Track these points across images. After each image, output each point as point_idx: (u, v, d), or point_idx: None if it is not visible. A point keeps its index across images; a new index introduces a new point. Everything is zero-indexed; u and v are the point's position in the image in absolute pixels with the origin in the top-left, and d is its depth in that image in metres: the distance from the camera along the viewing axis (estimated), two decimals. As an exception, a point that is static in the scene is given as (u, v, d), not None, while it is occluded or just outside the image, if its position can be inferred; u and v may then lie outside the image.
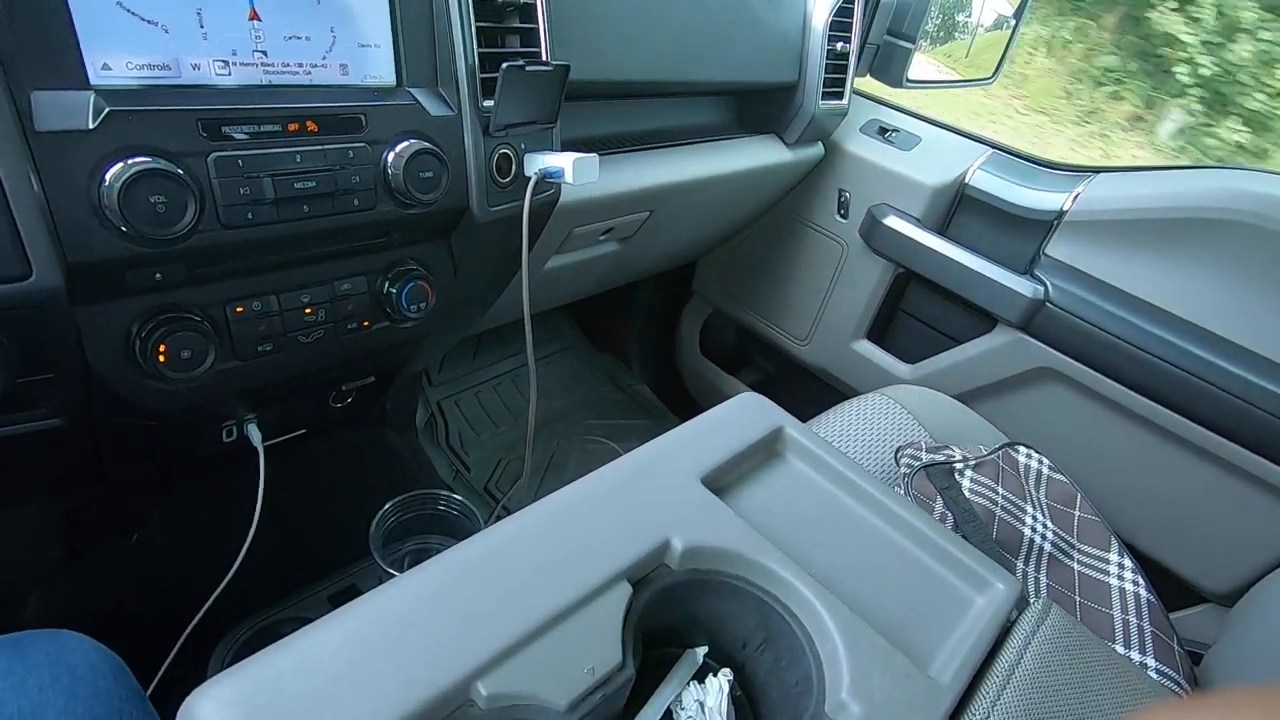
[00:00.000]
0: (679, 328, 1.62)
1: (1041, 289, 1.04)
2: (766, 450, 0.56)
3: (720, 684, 0.42)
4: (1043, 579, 0.84)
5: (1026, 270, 1.08)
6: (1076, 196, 1.05)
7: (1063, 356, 1.03)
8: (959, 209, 1.17)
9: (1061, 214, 1.06)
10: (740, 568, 0.45)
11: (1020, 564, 0.84)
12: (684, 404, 1.61)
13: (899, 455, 0.90)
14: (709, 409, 0.56)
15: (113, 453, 0.63)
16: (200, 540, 0.72)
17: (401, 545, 0.84)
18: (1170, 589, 1.03)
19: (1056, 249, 1.07)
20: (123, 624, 0.67)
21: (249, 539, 0.63)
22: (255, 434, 0.67)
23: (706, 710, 0.41)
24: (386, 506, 0.79)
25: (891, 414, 1.00)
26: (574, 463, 1.36)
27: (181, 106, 0.46)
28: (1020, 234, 1.10)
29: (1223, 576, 0.97)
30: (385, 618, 0.36)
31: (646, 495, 0.46)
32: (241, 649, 0.80)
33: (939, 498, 0.83)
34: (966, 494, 0.86)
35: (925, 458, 0.88)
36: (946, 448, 0.91)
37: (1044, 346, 1.05)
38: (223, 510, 0.66)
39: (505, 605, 0.38)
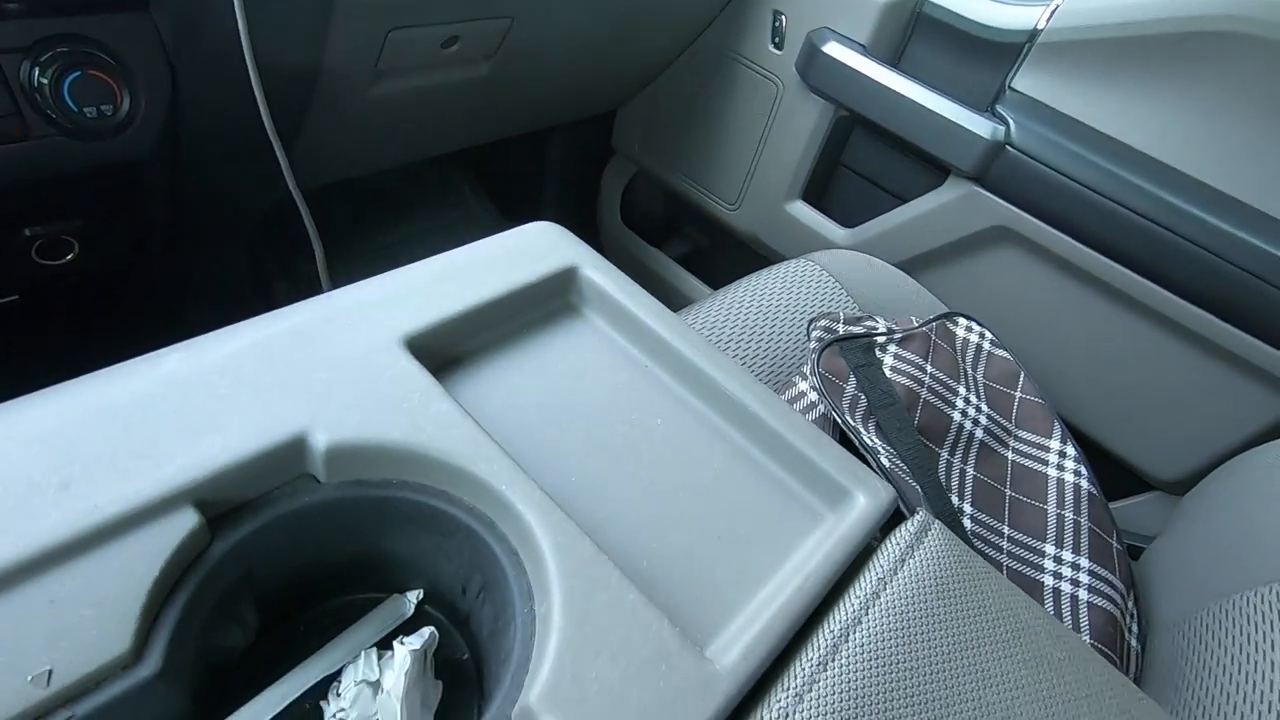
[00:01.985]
0: (599, 193, 1.41)
1: (1003, 128, 0.86)
2: (547, 301, 0.39)
3: (403, 656, 0.27)
4: (969, 471, 0.71)
5: (988, 108, 0.89)
6: (1054, 10, 0.85)
7: (1019, 212, 0.87)
8: (914, 34, 0.97)
9: (1035, 34, 0.86)
10: (434, 477, 0.29)
11: (944, 454, 0.71)
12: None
13: (811, 327, 0.74)
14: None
15: None
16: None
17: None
18: (1113, 476, 0.92)
19: (1024, 81, 0.88)
20: None
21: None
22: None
23: (381, 696, 0.27)
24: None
25: (815, 281, 0.84)
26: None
27: None
28: (983, 62, 0.91)
29: (1175, 463, 0.86)
30: None
31: (300, 364, 0.29)
32: None
33: (851, 377, 0.69)
34: (887, 372, 0.71)
35: (841, 329, 0.73)
36: (869, 318, 0.76)
37: (999, 201, 0.88)
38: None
39: None
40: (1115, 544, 0.71)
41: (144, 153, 0.51)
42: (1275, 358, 0.76)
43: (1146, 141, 0.81)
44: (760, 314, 0.79)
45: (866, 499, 0.31)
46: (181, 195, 0.60)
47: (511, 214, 1.45)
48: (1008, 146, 0.86)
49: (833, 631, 0.27)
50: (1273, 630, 0.55)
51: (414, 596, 0.32)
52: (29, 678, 0.21)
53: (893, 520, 0.32)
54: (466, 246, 0.38)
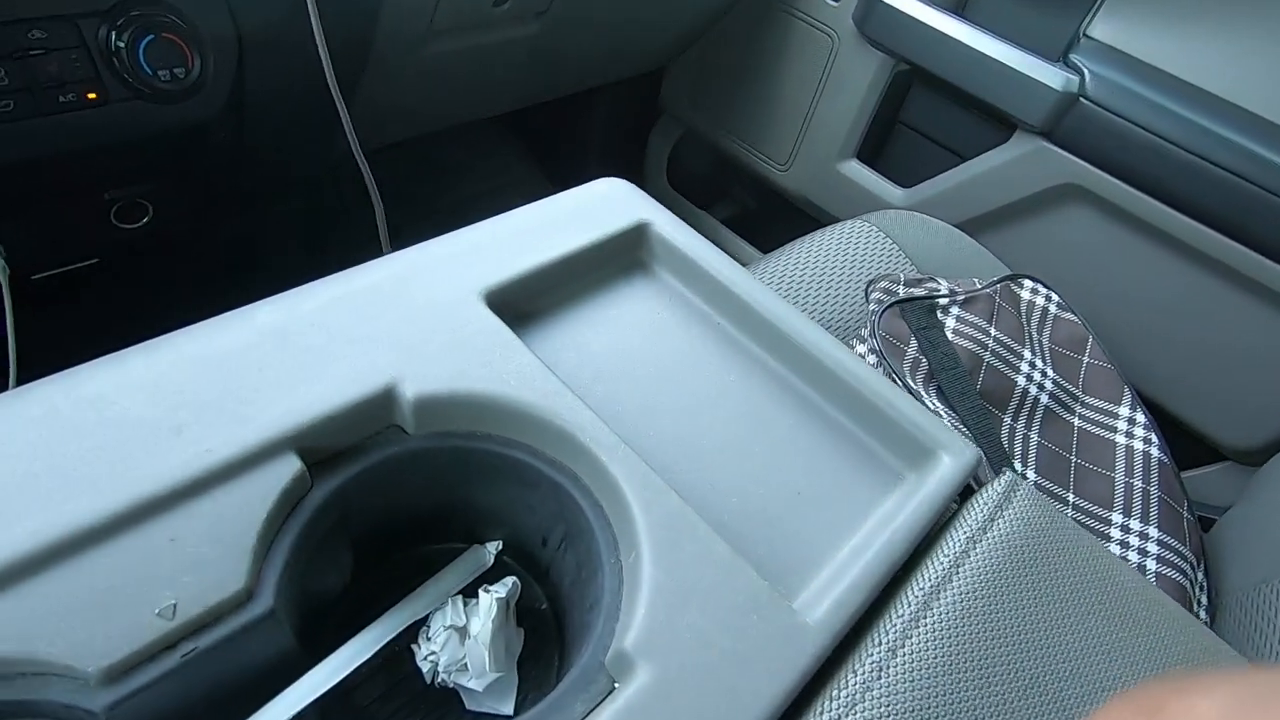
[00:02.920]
0: (646, 154, 1.39)
1: (1076, 79, 0.81)
2: (618, 258, 0.39)
3: (490, 603, 0.28)
4: (1034, 437, 0.70)
5: (1060, 57, 0.85)
6: (1138, -51, 0.79)
7: (1091, 168, 0.83)
8: (981, -20, 0.92)
9: (1115, -25, 0.81)
10: (519, 430, 0.29)
11: (1008, 420, 0.69)
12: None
13: (870, 289, 0.72)
14: None
15: None
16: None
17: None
18: (1183, 445, 0.89)
19: (1100, 27, 0.83)
20: None
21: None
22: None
23: (469, 642, 0.27)
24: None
25: (872, 242, 0.82)
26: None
27: None
28: (1056, 8, 0.86)
29: (1251, 433, 0.83)
30: None
31: (385, 317, 0.29)
32: None
33: (913, 339, 0.67)
34: (950, 335, 0.69)
35: (901, 291, 0.71)
36: (930, 280, 0.74)
37: (1070, 157, 0.84)
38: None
39: (38, 491, 0.23)
40: (1186, 514, 0.68)
41: (212, 115, 0.52)
42: (1368, 322, 0.72)
43: (1233, 89, 0.76)
44: (816, 276, 0.78)
45: (951, 458, 0.30)
46: (245, 158, 0.61)
47: (557, 178, 1.45)
48: (1081, 99, 0.81)
49: (923, 589, 0.26)
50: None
51: (494, 547, 0.33)
52: (155, 610, 0.22)
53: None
54: (538, 203, 0.38)
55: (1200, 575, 0.67)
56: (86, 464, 0.24)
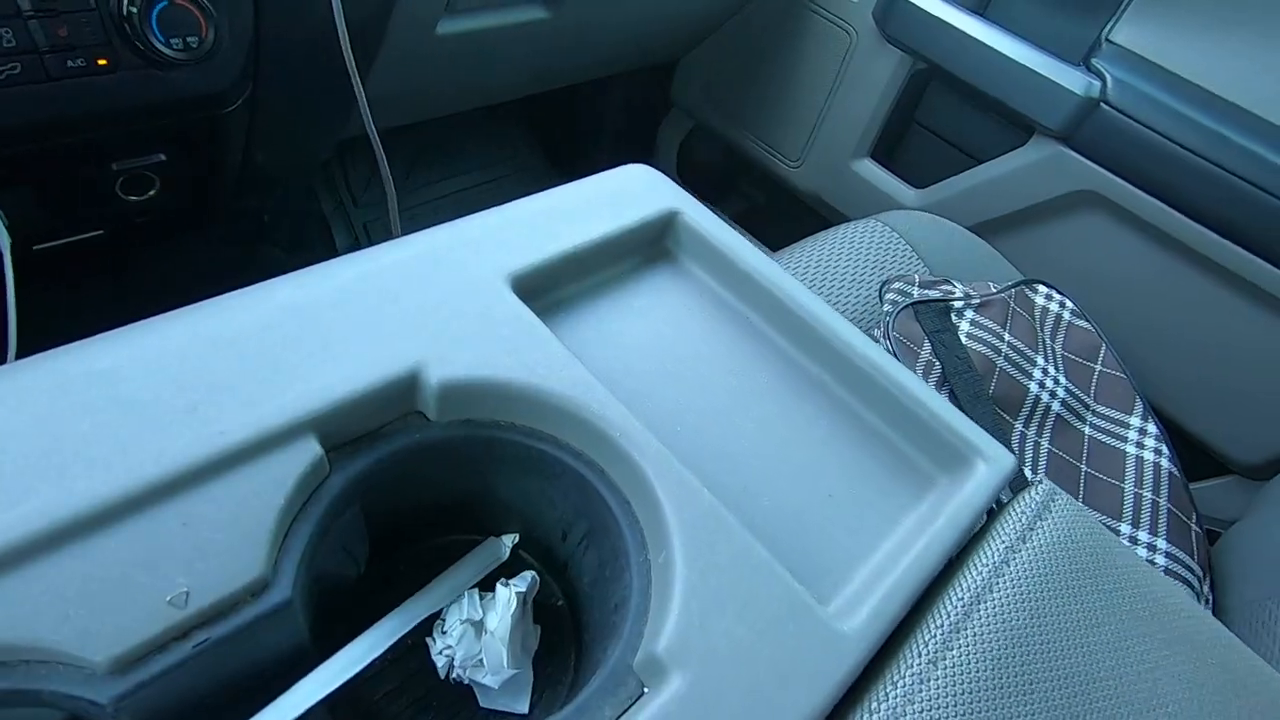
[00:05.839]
0: (655, 147, 1.38)
1: (1098, 84, 0.80)
2: (645, 247, 0.37)
3: (509, 597, 0.27)
4: (1044, 444, 0.69)
5: (1081, 61, 0.84)
6: (1165, -46, 0.78)
7: (1110, 175, 0.82)
8: (1004, -19, 0.91)
9: (1140, -20, 0.80)
10: (544, 421, 0.28)
11: (1019, 426, 0.69)
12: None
13: (884, 290, 0.72)
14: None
15: None
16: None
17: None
18: (1191, 457, 0.89)
19: (1124, 32, 0.83)
20: None
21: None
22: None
23: (486, 637, 0.26)
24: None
25: (885, 242, 0.81)
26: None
27: None
28: (1079, 11, 0.85)
29: (1260, 447, 0.82)
30: None
31: (408, 299, 0.28)
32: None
33: (927, 342, 0.66)
34: (964, 339, 0.69)
35: (916, 293, 0.70)
36: (945, 282, 0.73)
37: (1088, 163, 0.83)
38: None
39: (42, 469, 0.22)
40: (1195, 527, 0.68)
41: (226, 86, 0.51)
42: (1383, 339, 0.71)
43: (1257, 101, 0.76)
44: (829, 274, 0.77)
45: (988, 465, 0.29)
46: (256, 132, 0.60)
47: (565, 168, 1.43)
48: (1102, 104, 0.80)
49: (962, 599, 0.25)
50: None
51: (510, 540, 0.32)
52: (167, 598, 0.21)
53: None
54: (563, 187, 0.36)
55: (1206, 588, 0.67)
56: (94, 442, 0.23)
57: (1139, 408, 0.73)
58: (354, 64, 0.52)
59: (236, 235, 0.80)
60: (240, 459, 0.23)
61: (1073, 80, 0.82)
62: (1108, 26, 0.84)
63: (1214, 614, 0.66)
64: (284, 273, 0.30)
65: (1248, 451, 0.84)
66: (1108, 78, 0.80)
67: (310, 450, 0.24)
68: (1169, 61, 0.80)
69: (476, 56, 0.79)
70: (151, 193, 0.56)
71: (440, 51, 0.74)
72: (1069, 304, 0.79)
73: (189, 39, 0.45)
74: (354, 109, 0.57)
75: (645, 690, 0.22)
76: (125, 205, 0.55)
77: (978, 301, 0.72)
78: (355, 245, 1.18)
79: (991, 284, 0.77)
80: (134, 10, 0.42)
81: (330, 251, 1.13)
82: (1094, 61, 0.83)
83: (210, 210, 0.62)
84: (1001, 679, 0.23)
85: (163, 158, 0.53)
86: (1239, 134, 0.74)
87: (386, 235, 1.04)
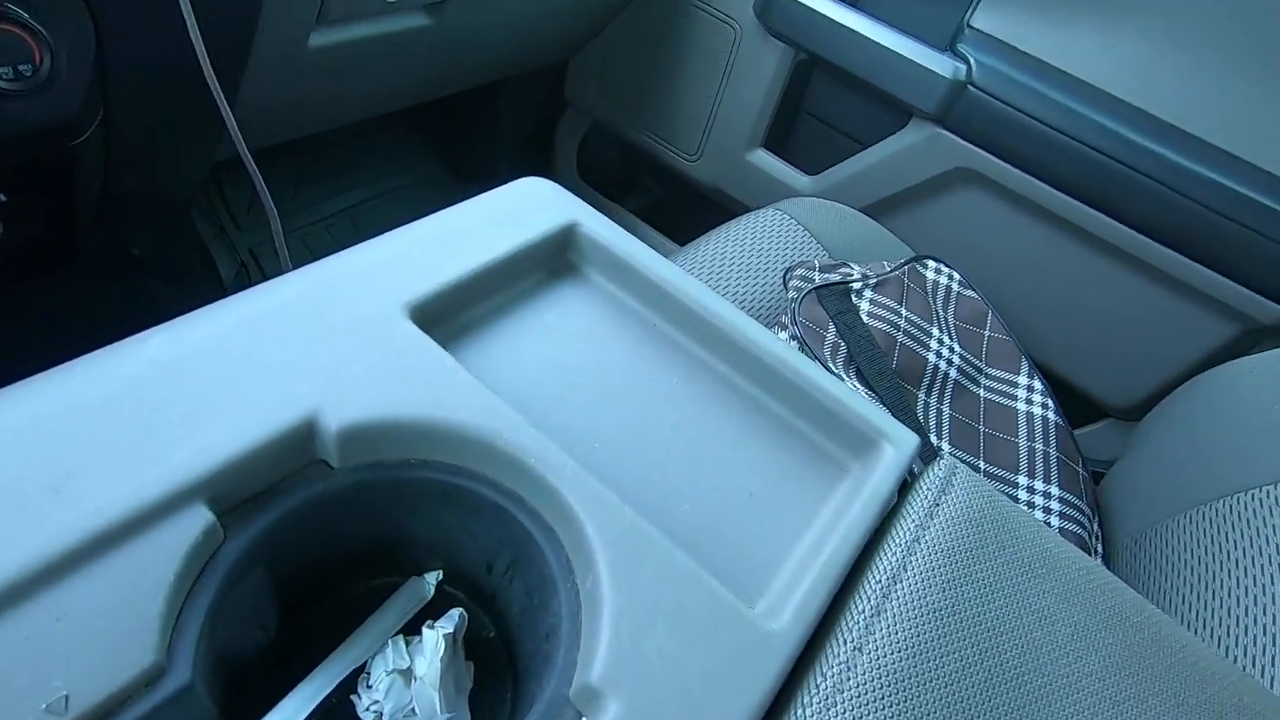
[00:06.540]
0: (554, 147, 1.37)
1: (964, 68, 0.86)
2: (547, 261, 0.37)
3: (436, 639, 0.26)
4: (945, 410, 0.73)
5: (948, 47, 0.89)
6: (1012, -55, 0.84)
7: (982, 153, 0.87)
8: (872, -28, 0.95)
9: (992, -31, 0.86)
10: (456, 454, 0.27)
11: (922, 395, 0.72)
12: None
13: (788, 277, 0.74)
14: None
15: None
16: None
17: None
18: (1074, 406, 0.96)
19: (983, 18, 0.88)
20: None
21: None
22: None
23: (415, 684, 0.26)
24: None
25: (784, 230, 0.84)
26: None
27: None
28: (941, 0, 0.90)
29: (1128, 391, 0.91)
30: None
31: (297, 341, 0.27)
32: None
33: (831, 324, 0.69)
34: (865, 318, 0.72)
35: (818, 278, 0.73)
36: (844, 265, 0.76)
37: (962, 142, 0.88)
38: None
39: None
40: (1081, 470, 0.74)
41: (71, 115, 0.46)
42: (1222, 285, 0.79)
43: (1105, 78, 0.83)
44: (733, 266, 0.78)
45: (894, 446, 0.31)
46: (116, 161, 0.55)
47: (465, 174, 1.39)
48: (969, 86, 0.86)
49: (880, 581, 0.27)
50: (1227, 541, 0.59)
51: (433, 578, 0.31)
52: (43, 706, 0.19)
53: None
54: (456, 207, 0.35)
55: (1095, 526, 0.73)
56: None
57: (1025, 366, 0.79)
58: (216, 82, 0.49)
59: (108, 271, 0.74)
60: (119, 537, 0.21)
61: (941, 65, 0.86)
62: (968, 13, 0.89)
63: (1105, 547, 0.72)
64: (167, 306, 0.28)
65: (1121, 396, 0.92)
66: (972, 61, 0.86)
67: (200, 517, 0.22)
68: (1023, 44, 0.86)
69: (355, 68, 0.76)
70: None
71: (315, 65, 0.70)
72: (956, 276, 0.84)
73: (20, 67, 0.41)
74: (224, 131, 0.53)
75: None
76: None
77: (875, 281, 0.76)
78: (242, 271, 1.10)
79: (885, 263, 0.80)
80: (-54, 38, 0.38)
81: (214, 280, 1.06)
82: (959, 46, 0.88)
83: (65, 249, 0.57)
84: (922, 654, 0.25)
85: (3, 198, 0.48)
86: (1088, 108, 0.81)
87: (275, 259, 0.98)
